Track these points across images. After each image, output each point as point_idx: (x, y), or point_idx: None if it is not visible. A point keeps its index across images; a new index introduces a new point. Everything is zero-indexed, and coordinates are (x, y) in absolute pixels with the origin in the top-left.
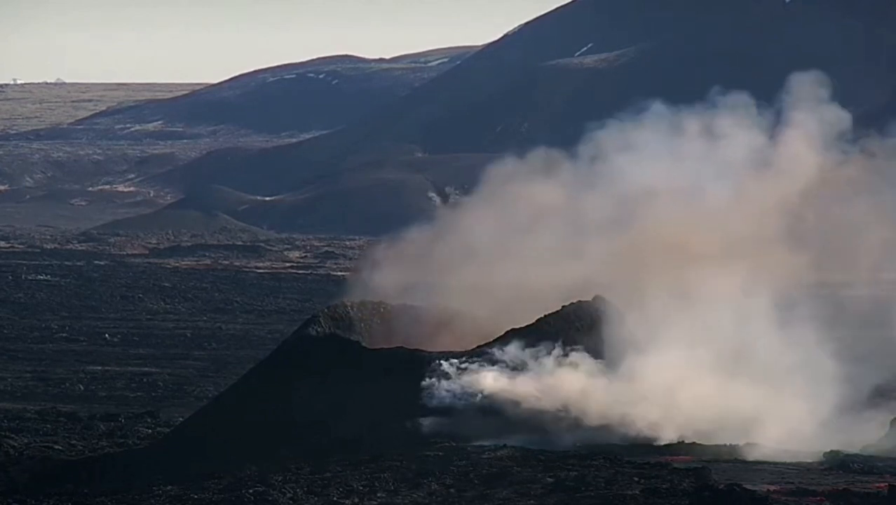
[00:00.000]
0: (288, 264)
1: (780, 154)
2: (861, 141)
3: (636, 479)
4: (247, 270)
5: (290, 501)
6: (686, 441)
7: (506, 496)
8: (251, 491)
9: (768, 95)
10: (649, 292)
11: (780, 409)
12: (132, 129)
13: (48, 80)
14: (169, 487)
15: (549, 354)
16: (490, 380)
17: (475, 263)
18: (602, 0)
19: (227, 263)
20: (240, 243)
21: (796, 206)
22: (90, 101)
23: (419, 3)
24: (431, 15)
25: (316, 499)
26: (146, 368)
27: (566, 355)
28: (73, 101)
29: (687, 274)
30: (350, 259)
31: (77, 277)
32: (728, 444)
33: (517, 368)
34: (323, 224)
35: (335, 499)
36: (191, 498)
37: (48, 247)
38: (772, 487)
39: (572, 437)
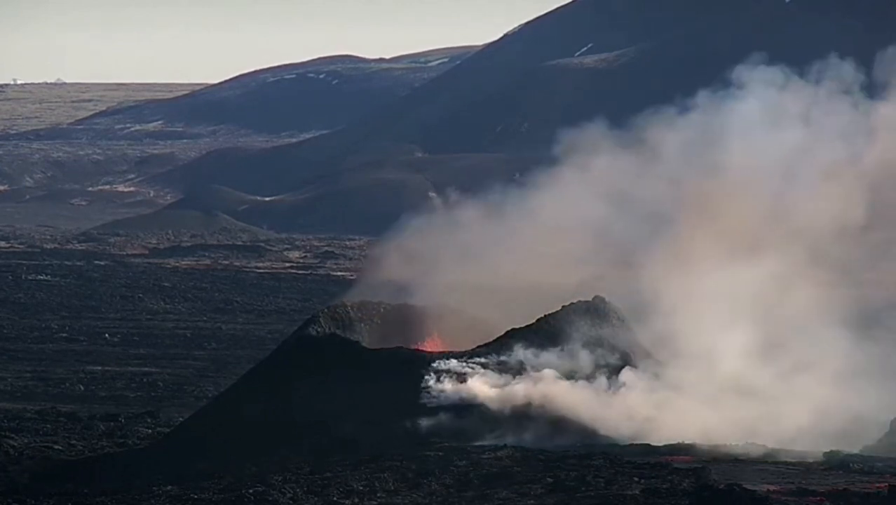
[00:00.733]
0: (288, 264)
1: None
2: None
3: (636, 479)
4: (247, 269)
5: (290, 501)
6: (686, 441)
7: (506, 496)
8: (251, 491)
9: None
10: None
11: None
12: (132, 129)
13: (48, 80)
14: (169, 487)
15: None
16: (486, 383)
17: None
18: (602, 0)
19: (227, 262)
20: (240, 243)
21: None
22: (90, 101)
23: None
24: (431, 15)
25: (316, 499)
26: (146, 368)
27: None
28: (73, 101)
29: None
30: (350, 259)
31: (77, 277)
32: (727, 443)
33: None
34: (323, 224)
35: (335, 499)
36: (191, 498)
37: (48, 247)
38: (772, 487)
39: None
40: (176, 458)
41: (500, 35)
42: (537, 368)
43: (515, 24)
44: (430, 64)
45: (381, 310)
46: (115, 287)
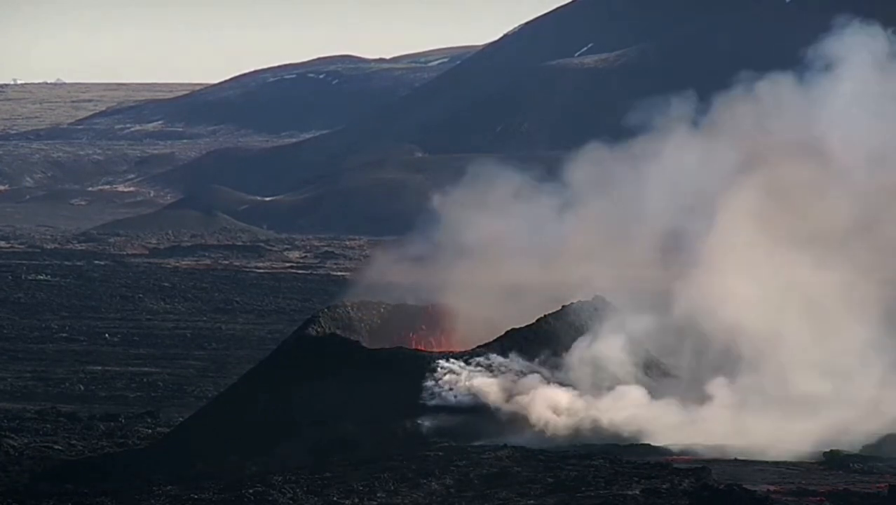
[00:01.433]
0: (288, 264)
1: None
2: None
3: (636, 479)
4: (247, 269)
5: (290, 501)
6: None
7: (506, 496)
8: (251, 491)
9: None
10: None
11: None
12: (132, 129)
13: (48, 80)
14: (169, 487)
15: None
16: (486, 383)
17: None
18: (602, 0)
19: (227, 262)
20: (240, 243)
21: None
22: (90, 101)
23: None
24: (431, 15)
25: (316, 499)
26: (146, 368)
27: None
28: (73, 101)
29: None
30: (350, 259)
31: (77, 277)
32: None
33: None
34: (323, 224)
35: (335, 499)
36: (191, 498)
37: (48, 247)
38: (772, 487)
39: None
40: (176, 458)
41: (500, 35)
42: (536, 369)
43: (515, 24)
44: (430, 64)
45: (381, 310)
46: (115, 287)
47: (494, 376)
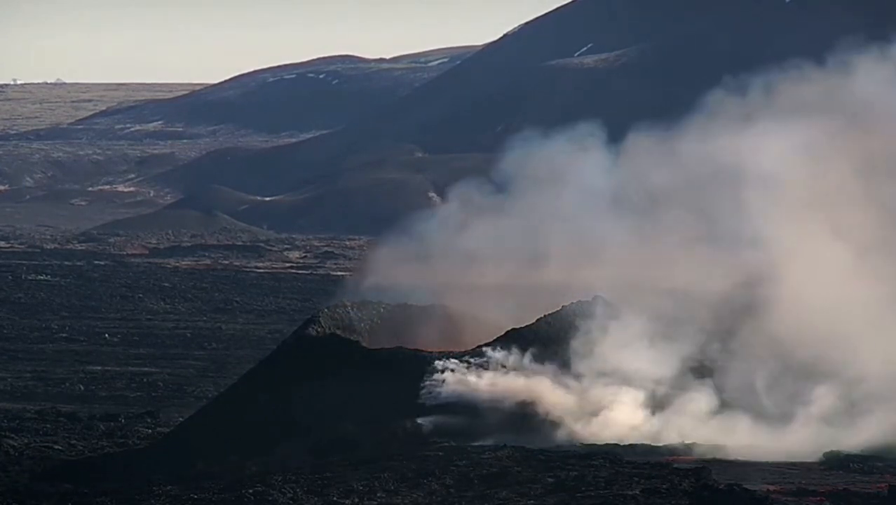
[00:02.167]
0: (288, 264)
1: None
2: None
3: (636, 479)
4: (247, 269)
5: (290, 501)
6: (686, 441)
7: (506, 496)
8: (251, 491)
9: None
10: None
11: None
12: (132, 129)
13: (48, 80)
14: (169, 487)
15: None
16: (486, 383)
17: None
18: (602, 0)
19: (227, 262)
20: (240, 243)
21: None
22: (90, 101)
23: (419, 3)
24: (431, 15)
25: (316, 499)
26: (146, 368)
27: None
28: (73, 101)
29: None
30: (350, 259)
31: (77, 277)
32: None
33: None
34: (323, 224)
35: (335, 499)
36: (191, 498)
37: (48, 247)
38: (772, 487)
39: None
40: (176, 458)
41: (500, 35)
42: (536, 369)
43: (515, 24)
44: (430, 64)
45: (381, 310)
46: (115, 287)
47: (494, 376)
